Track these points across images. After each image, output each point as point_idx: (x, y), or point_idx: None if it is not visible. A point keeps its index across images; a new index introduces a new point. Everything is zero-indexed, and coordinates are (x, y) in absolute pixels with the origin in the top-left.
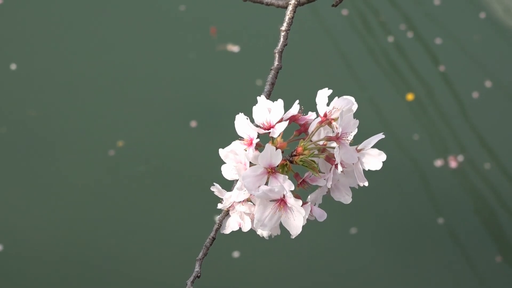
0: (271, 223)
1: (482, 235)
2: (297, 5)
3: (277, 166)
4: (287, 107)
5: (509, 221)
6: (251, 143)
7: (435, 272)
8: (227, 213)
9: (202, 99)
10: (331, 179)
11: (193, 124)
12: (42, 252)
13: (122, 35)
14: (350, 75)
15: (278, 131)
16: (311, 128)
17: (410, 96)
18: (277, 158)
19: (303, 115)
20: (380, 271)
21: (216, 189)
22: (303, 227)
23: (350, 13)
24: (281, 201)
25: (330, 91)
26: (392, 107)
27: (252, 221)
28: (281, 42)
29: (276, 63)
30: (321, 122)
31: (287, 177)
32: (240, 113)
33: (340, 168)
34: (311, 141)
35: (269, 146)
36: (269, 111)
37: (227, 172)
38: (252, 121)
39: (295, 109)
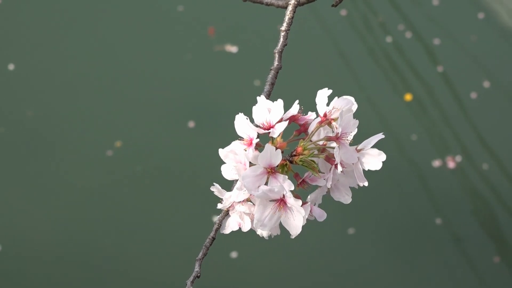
0: (271, 223)
1: (480, 236)
2: (297, 5)
3: (277, 166)
4: (287, 107)
5: (508, 221)
6: (251, 143)
7: (434, 272)
8: (227, 213)
9: (200, 99)
10: (331, 179)
11: (191, 124)
12: (41, 252)
13: (120, 35)
14: (350, 75)
15: (278, 131)
16: (311, 128)
17: (408, 97)
18: (277, 158)
19: (303, 115)
20: (379, 271)
21: (216, 189)
22: (303, 227)
23: (349, 13)
24: (281, 201)
25: (330, 91)
26: (390, 107)
27: (252, 221)
28: (280, 42)
29: (276, 63)
30: (321, 122)
31: (286, 177)
32: (240, 113)
33: (340, 168)
34: (311, 141)
35: (269, 146)
36: (269, 111)
37: (227, 172)
38: (252, 121)
39: (294, 109)
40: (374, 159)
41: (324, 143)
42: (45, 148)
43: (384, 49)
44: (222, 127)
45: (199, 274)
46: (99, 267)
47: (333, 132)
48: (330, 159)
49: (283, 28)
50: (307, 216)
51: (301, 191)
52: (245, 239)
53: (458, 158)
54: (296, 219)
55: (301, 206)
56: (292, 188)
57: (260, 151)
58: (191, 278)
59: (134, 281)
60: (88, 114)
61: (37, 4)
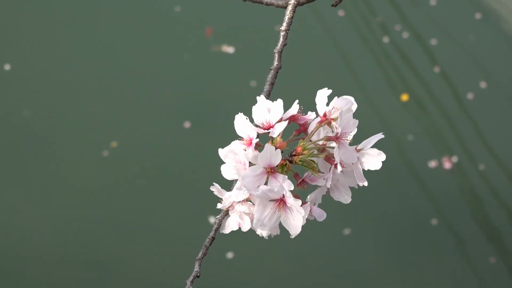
0: (270, 223)
1: (477, 236)
2: (297, 5)
3: (277, 166)
4: (286, 107)
5: (505, 221)
6: (250, 143)
7: (432, 272)
8: (226, 213)
9: (196, 99)
10: (331, 179)
11: (187, 124)
12: (41, 252)
13: (117, 35)
14: (350, 75)
15: (277, 131)
16: (310, 128)
17: (404, 97)
18: (276, 158)
19: (302, 115)
20: (378, 271)
21: (215, 189)
22: (302, 227)
23: (347, 14)
24: (281, 201)
25: (330, 91)
26: (386, 108)
27: (252, 221)
28: (280, 42)
29: (275, 63)
30: (320, 122)
31: (286, 177)
32: (239, 113)
33: (339, 168)
34: (310, 141)
35: (268, 146)
36: (269, 111)
37: (227, 172)
38: (251, 121)
39: (294, 109)
40: (373, 159)
41: (324, 143)
42: (42, 148)
43: (381, 49)
44: (219, 127)
45: (198, 274)
46: (99, 267)
47: (332, 132)
48: (329, 159)
49: (283, 28)
50: (306, 216)
51: (301, 191)
52: (245, 239)
53: (455, 159)
54: (295, 219)
55: (301, 206)
56: (292, 188)
57: (260, 151)
58: (191, 278)
59: (134, 281)
60: (84, 114)
61: (33, 4)
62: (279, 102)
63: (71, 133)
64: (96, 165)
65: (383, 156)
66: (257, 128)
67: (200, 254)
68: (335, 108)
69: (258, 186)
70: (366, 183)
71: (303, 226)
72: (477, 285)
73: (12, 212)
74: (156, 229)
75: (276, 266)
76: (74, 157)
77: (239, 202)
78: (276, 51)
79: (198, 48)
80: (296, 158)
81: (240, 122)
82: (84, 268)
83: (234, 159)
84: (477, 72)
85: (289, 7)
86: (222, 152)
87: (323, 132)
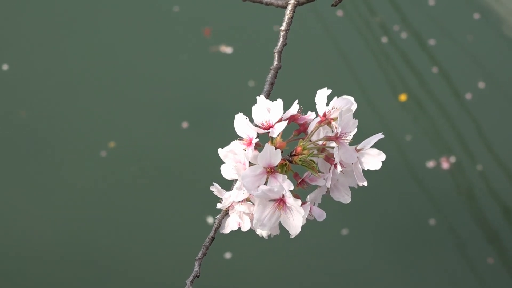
0: (270, 223)
1: (476, 236)
2: (297, 5)
3: (277, 166)
4: (286, 107)
5: (504, 221)
6: (250, 143)
7: (431, 272)
8: (226, 213)
9: (194, 100)
10: (331, 178)
11: (185, 125)
12: (41, 252)
13: (115, 35)
14: (350, 75)
15: (277, 131)
16: (310, 128)
17: (403, 97)
18: (276, 158)
19: (302, 115)
20: (376, 271)
21: (215, 188)
22: (302, 227)
23: (346, 14)
24: (281, 201)
25: (330, 91)
26: (384, 108)
27: (252, 221)
28: (280, 41)
29: (275, 62)
30: (320, 122)
31: (286, 177)
32: (239, 113)
33: (339, 168)
34: (310, 141)
35: (268, 146)
36: (269, 111)
37: (227, 171)
38: (251, 121)
39: (294, 109)
40: (373, 159)
41: (324, 143)
42: (41, 148)
43: (381, 49)
44: (217, 127)
45: (198, 274)
46: (99, 267)
47: (332, 132)
48: (329, 159)
49: (282, 27)
50: (306, 216)
51: (301, 191)
52: (245, 239)
53: (452, 159)
54: (295, 219)
55: (301, 206)
56: (292, 188)
57: (260, 151)
58: (191, 277)
59: (134, 281)
60: (82, 114)
61: (31, 4)
62: (279, 102)
63: (69, 133)
64: (95, 165)
65: (383, 156)
66: (257, 128)
67: (200, 254)
68: (334, 108)
69: (258, 186)
70: (366, 183)
71: (303, 226)
72: (476, 285)
73: (12, 212)
74: (156, 229)
75: (275, 266)
76: (73, 157)
77: (239, 202)
78: (276, 51)
79: (196, 48)
80: (296, 158)
81: (240, 122)
82: (84, 268)
83: (234, 159)
84: (476, 72)
85: (289, 7)
86: (222, 152)
87: (323, 132)
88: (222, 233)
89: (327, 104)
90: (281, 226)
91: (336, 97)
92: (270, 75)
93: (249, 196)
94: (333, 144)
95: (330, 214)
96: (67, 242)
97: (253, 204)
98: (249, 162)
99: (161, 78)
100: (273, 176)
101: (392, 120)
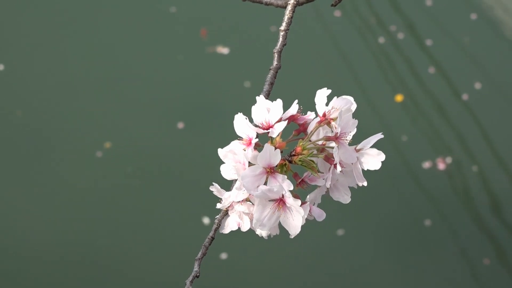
0: (270, 223)
1: (474, 236)
2: (296, 5)
3: (276, 166)
4: (286, 107)
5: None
6: (250, 143)
7: (430, 272)
8: (226, 213)
9: (190, 100)
10: (330, 179)
11: (180, 125)
12: (41, 252)
13: (112, 36)
14: (349, 74)
15: (277, 131)
16: (310, 128)
17: (399, 97)
18: (276, 158)
19: (302, 115)
20: (376, 271)
21: (215, 189)
22: (302, 227)
23: (347, 14)
24: (280, 201)
25: (329, 91)
26: (381, 108)
27: (251, 221)
28: (280, 42)
29: (275, 62)
30: (320, 122)
31: (286, 177)
32: (239, 113)
33: (339, 168)
34: (310, 141)
35: (268, 146)
36: (268, 111)
37: (226, 172)
38: (251, 121)
39: (294, 109)
40: (373, 159)
41: (323, 143)
42: (41, 148)
43: (380, 49)
44: (215, 127)
45: (198, 274)
46: (98, 267)
47: (332, 132)
48: (329, 159)
49: (282, 27)
50: (306, 216)
51: (300, 191)
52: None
53: (448, 160)
54: (295, 219)
55: (300, 206)
56: (291, 188)
57: (259, 151)
58: (190, 277)
59: (134, 281)
60: (78, 114)
61: (27, 4)
62: (279, 102)
63: (64, 133)
64: (95, 165)
65: (382, 156)
66: (256, 128)
67: (199, 254)
68: (334, 108)
69: (258, 186)
70: (365, 183)
71: (302, 226)
72: (475, 285)
73: (12, 212)
74: (156, 229)
75: (275, 266)
76: (73, 157)
77: (238, 202)
78: (275, 51)
79: (193, 49)
80: (296, 158)
81: (240, 122)
82: (84, 268)
83: (234, 159)
84: (473, 72)
85: (289, 7)
86: (221, 152)
87: (323, 132)
88: (222, 233)
89: (327, 104)
90: (280, 226)
91: (335, 97)
92: (269, 75)
93: (249, 196)
94: (333, 144)
95: (332, 214)
96: (67, 242)
97: (253, 204)
98: (249, 162)
99: (158, 78)
100: (272, 176)
101: (388, 120)
